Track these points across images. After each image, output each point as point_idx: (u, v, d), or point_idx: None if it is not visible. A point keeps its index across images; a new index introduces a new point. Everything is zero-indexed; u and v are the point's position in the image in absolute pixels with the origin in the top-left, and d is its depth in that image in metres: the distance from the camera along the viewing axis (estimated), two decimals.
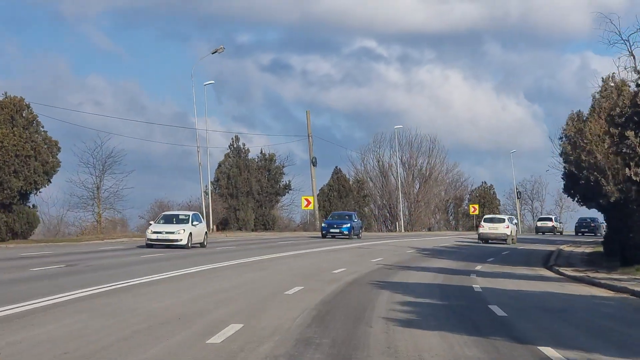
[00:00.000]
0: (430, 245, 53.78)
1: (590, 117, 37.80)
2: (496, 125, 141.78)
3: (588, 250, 51.66)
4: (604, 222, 52.21)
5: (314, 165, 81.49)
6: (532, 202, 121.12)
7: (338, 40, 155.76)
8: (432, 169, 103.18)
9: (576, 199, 43.99)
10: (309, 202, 79.43)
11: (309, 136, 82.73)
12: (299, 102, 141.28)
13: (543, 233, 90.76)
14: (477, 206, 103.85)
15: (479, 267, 35.68)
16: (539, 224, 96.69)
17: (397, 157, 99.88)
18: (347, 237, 59.14)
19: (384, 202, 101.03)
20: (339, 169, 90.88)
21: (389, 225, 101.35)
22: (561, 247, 55.63)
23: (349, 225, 60.09)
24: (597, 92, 37.01)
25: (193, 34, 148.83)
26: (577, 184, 39.24)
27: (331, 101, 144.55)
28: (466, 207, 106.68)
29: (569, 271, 34.19)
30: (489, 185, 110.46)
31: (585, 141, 34.44)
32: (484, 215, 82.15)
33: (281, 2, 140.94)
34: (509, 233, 58.61)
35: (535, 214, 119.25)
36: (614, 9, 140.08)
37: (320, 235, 61.40)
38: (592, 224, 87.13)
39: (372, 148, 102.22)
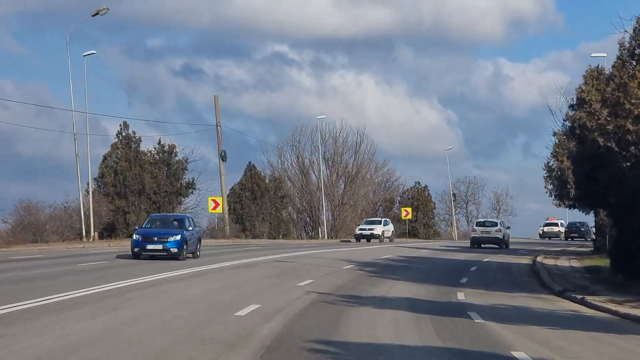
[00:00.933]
0: (369, 258, 41.10)
1: (620, 71, 25.52)
2: (410, 130, 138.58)
3: (575, 263, 39.70)
4: (599, 226, 45.93)
5: (223, 160, 67.76)
6: (466, 205, 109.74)
7: (250, 45, 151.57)
8: (360, 167, 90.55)
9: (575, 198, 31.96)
10: (216, 204, 66.00)
11: (217, 125, 69.11)
12: (212, 107, 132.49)
13: (549, 238, 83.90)
14: (410, 210, 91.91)
15: (462, 297, 23.42)
16: (546, 229, 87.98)
17: (320, 153, 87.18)
18: (175, 256, 34.02)
19: (304, 204, 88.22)
20: (253, 164, 77.84)
21: (309, 231, 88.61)
22: (538, 258, 43.52)
23: (178, 237, 34.66)
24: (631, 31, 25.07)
25: (102, 38, 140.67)
26: (594, 174, 27.09)
27: (244, 106, 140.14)
28: (397, 211, 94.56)
29: (600, 301, 22.11)
30: (422, 185, 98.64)
31: (634, 101, 21.99)
32: (416, 219, 72.75)
33: (192, 6, 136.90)
34: (501, 237, 56.25)
35: (470, 219, 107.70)
36: (525, 15, 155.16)
37: (131, 254, 34.93)
38: (582, 229, 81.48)
39: (291, 143, 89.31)
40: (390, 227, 72.23)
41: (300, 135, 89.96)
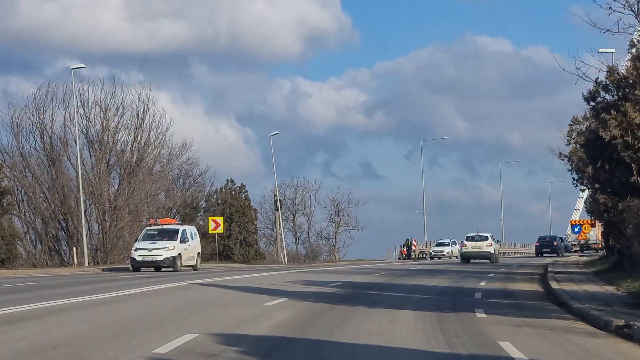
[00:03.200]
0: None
1: None
2: (208, 150, 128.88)
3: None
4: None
5: None
6: (294, 217, 78.70)
7: (40, 60, 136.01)
8: (144, 150, 57.36)
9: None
10: None
11: None
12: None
13: (541, 255, 74.93)
14: (221, 220, 60.44)
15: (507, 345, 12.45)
16: (437, 249, 78.66)
17: (76, 126, 53.14)
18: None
19: (53, 210, 54.45)
20: None
21: (63, 253, 55.16)
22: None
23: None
24: None
25: None
26: None
27: None
28: (202, 222, 62.89)
29: None
30: (238, 185, 66.99)
31: None
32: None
33: None
34: (492, 251, 55.01)
35: (299, 234, 77.21)
36: (322, 31, 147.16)
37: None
38: (554, 243, 76.27)
39: (31, 111, 55.16)
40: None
41: (48, 99, 56.16)
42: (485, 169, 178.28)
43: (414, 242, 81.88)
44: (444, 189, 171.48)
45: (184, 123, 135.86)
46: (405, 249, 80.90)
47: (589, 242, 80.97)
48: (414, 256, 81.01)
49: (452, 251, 74.50)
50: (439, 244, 78.42)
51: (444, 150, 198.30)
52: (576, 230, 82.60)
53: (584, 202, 59.56)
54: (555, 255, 71.29)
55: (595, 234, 78.79)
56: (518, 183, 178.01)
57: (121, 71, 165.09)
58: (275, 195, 71.92)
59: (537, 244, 78.54)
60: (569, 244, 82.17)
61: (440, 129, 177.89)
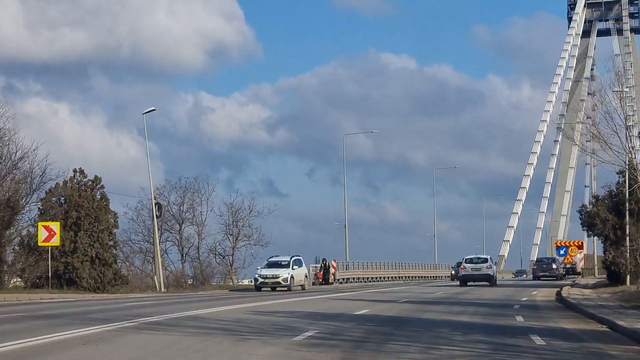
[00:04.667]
0: None
1: None
2: (110, 163, 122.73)
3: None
4: None
5: None
6: (181, 226, 57.44)
7: None
8: None
9: None
10: None
11: None
12: None
13: (539, 279, 68.69)
14: (57, 226, 40.04)
15: None
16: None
17: None
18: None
19: None
20: None
21: None
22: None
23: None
24: None
25: None
26: None
27: None
28: (32, 229, 42.21)
29: None
30: (88, 178, 45.73)
31: None
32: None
33: None
34: (491, 273, 53.29)
35: (187, 249, 56.30)
36: (226, 44, 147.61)
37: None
38: (553, 266, 68.64)
39: None
40: None
41: None
42: (388, 187, 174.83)
43: (333, 264, 62.33)
44: (346, 208, 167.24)
45: (85, 135, 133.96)
46: (321, 272, 61.33)
47: (574, 266, 73.68)
48: (332, 281, 61.61)
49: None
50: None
51: (347, 168, 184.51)
52: (562, 252, 76.54)
53: (580, 213, 43.15)
54: (554, 279, 65.79)
55: (578, 257, 73.51)
56: (420, 202, 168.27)
57: (18, 80, 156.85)
58: (153, 199, 51.40)
59: (535, 266, 71.83)
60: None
61: (343, 147, 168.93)
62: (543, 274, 68.04)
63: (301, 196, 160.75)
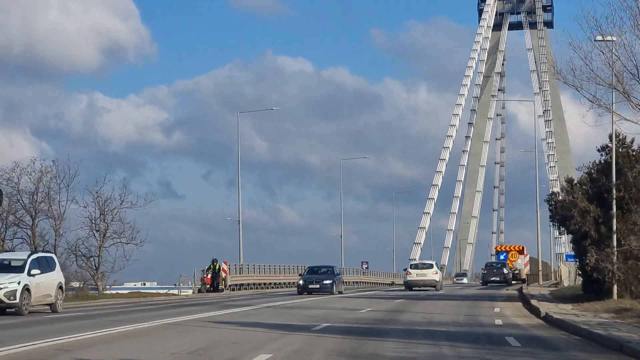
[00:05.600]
0: None
1: None
2: (1, 164, 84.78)
3: None
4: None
5: None
6: (33, 220, 45.84)
7: None
8: None
9: None
10: None
11: None
12: None
13: (487, 284, 66.45)
14: None
15: None
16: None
17: None
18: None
19: None
20: None
21: None
22: None
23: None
24: None
25: None
26: None
27: None
28: None
29: None
30: None
31: None
32: None
33: None
34: (437, 279, 53.68)
35: (41, 246, 44.94)
36: (122, 43, 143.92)
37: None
38: (504, 271, 66.05)
39: None
40: None
41: None
42: (284, 190, 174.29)
43: (224, 267, 52.02)
44: (242, 210, 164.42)
45: None
46: (209, 277, 51.03)
47: (516, 272, 68.56)
48: (222, 287, 51.41)
49: None
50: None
51: (243, 171, 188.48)
52: (502, 257, 73.06)
53: (550, 203, 32.98)
54: (505, 284, 64.03)
55: (522, 262, 69.76)
56: (316, 205, 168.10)
57: None
58: None
59: (485, 271, 69.23)
60: None
61: (240, 150, 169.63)
62: (494, 279, 66.31)
63: (197, 198, 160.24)
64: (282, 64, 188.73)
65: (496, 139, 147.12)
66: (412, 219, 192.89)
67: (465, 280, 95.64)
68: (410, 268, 54.73)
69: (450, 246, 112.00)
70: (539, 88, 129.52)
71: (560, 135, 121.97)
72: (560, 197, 31.33)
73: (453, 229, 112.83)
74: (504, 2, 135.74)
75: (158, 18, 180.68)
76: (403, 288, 55.31)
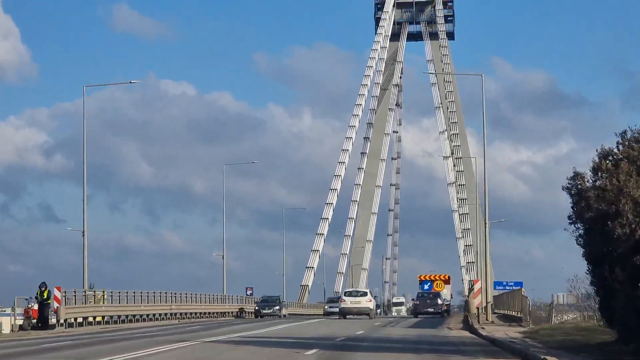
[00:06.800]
0: None
1: None
2: None
3: None
4: None
5: None
6: None
7: None
8: None
9: None
10: None
11: None
12: None
13: (417, 316, 62.60)
14: None
15: None
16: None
17: None
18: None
19: None
20: None
21: None
22: None
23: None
24: None
25: None
26: None
27: None
28: None
29: None
30: None
31: None
32: None
33: None
34: (371, 307, 55.61)
35: None
36: (1, 63, 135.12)
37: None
38: (438, 301, 62.33)
39: None
40: None
41: None
42: (168, 215, 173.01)
43: (56, 294, 38.90)
44: (125, 235, 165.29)
45: None
46: (35, 307, 38.16)
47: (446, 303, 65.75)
48: (53, 323, 38.54)
49: None
50: None
51: (126, 196, 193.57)
52: (426, 287, 70.99)
53: (571, 191, 20.07)
54: (439, 316, 59.73)
55: (449, 292, 67.29)
56: (199, 231, 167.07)
57: None
58: None
59: (417, 302, 63.74)
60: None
61: (124, 173, 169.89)
62: (427, 310, 61.45)
63: (79, 222, 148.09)
64: (165, 87, 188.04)
65: (392, 159, 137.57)
66: (295, 244, 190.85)
67: (404, 311, 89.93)
68: (345, 296, 57.18)
69: (344, 272, 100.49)
70: (439, 102, 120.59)
71: (465, 153, 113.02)
72: (592, 182, 18.86)
73: (347, 252, 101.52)
74: (403, 11, 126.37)
75: (38, 38, 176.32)
76: (319, 318, 56.42)
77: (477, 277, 64.18)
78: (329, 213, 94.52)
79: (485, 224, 45.05)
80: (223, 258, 65.76)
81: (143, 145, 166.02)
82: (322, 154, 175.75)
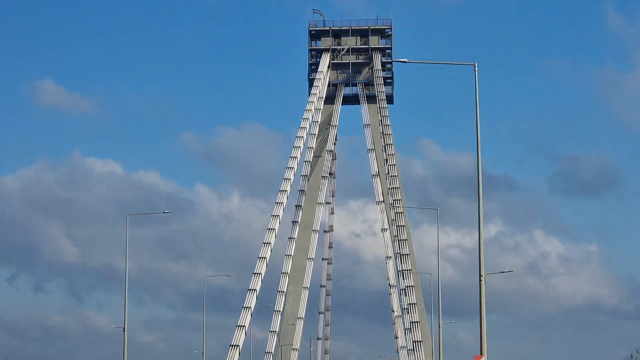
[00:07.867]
0: None
1: None
2: None
3: None
4: None
5: None
6: None
7: None
8: None
9: None
10: None
11: None
12: None
13: None
14: None
15: None
16: None
17: None
18: None
19: None
20: None
21: None
22: None
23: None
24: None
25: None
26: None
27: None
28: None
29: None
30: None
31: None
32: None
33: None
34: None
35: None
36: None
37: None
38: None
39: None
40: None
41: None
42: (93, 296, 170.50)
43: None
44: (49, 316, 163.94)
45: None
46: None
47: None
48: None
49: None
50: None
51: (50, 275, 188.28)
52: None
53: None
54: None
55: None
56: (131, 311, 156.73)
57: None
58: None
59: None
60: None
61: (47, 253, 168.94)
62: None
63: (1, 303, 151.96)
64: (90, 165, 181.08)
65: (325, 231, 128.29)
66: (221, 326, 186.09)
67: None
68: None
69: (272, 351, 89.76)
70: (377, 170, 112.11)
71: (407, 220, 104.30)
72: None
73: (277, 330, 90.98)
74: (338, 72, 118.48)
75: None
76: None
77: None
78: (257, 284, 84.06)
79: (480, 277, 35.34)
80: (124, 330, 56.22)
81: (68, 225, 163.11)
82: (250, 234, 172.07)
